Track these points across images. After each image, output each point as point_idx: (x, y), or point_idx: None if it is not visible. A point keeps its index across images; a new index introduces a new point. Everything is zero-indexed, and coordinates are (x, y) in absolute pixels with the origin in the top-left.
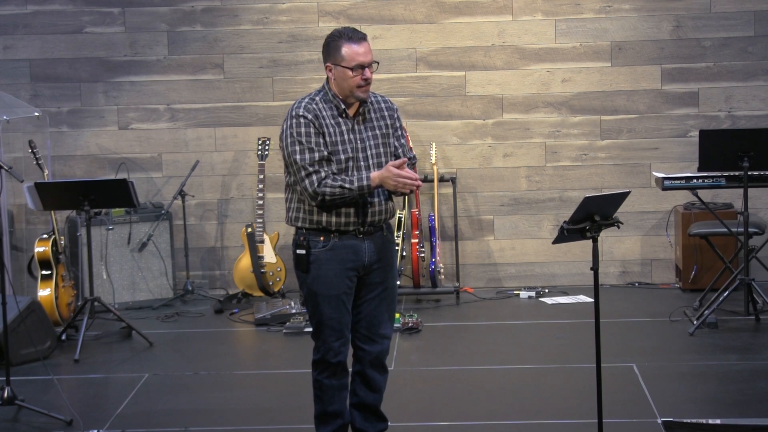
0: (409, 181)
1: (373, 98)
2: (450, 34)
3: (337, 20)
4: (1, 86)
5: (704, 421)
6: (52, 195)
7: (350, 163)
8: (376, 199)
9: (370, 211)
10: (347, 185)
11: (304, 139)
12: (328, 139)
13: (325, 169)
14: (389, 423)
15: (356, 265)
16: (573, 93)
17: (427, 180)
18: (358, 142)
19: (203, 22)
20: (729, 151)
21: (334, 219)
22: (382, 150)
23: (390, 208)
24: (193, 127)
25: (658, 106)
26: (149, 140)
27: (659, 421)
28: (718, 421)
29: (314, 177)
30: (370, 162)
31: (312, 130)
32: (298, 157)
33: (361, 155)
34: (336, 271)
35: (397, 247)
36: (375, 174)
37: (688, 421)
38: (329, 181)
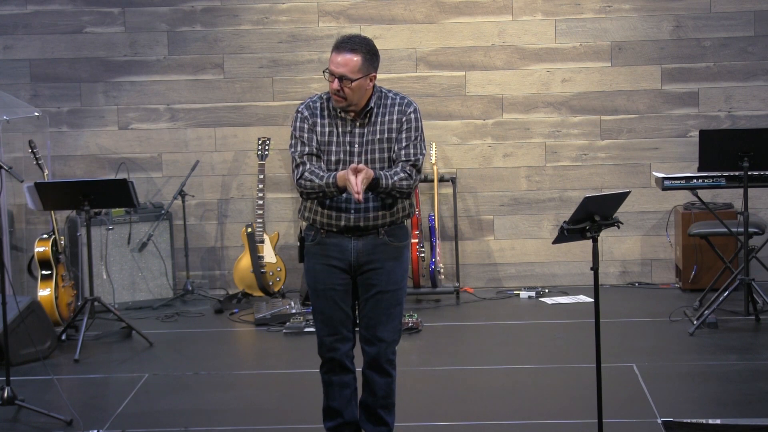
0: (352, 189)
1: (388, 100)
2: (450, 34)
3: (337, 20)
4: (1, 86)
5: (704, 421)
6: (52, 195)
7: (340, 166)
8: (362, 205)
9: (353, 216)
10: (317, 180)
11: (298, 133)
12: (320, 138)
13: (314, 163)
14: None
15: (343, 263)
16: (573, 93)
17: (427, 180)
18: (348, 145)
19: (203, 22)
20: (729, 151)
21: (318, 218)
22: (378, 155)
23: (385, 214)
24: (193, 127)
25: (658, 106)
26: (149, 140)
27: (659, 421)
28: (718, 421)
29: (300, 169)
30: None
31: (306, 125)
32: (292, 149)
33: (348, 158)
34: (322, 266)
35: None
36: (341, 173)
37: (688, 421)
38: (307, 174)
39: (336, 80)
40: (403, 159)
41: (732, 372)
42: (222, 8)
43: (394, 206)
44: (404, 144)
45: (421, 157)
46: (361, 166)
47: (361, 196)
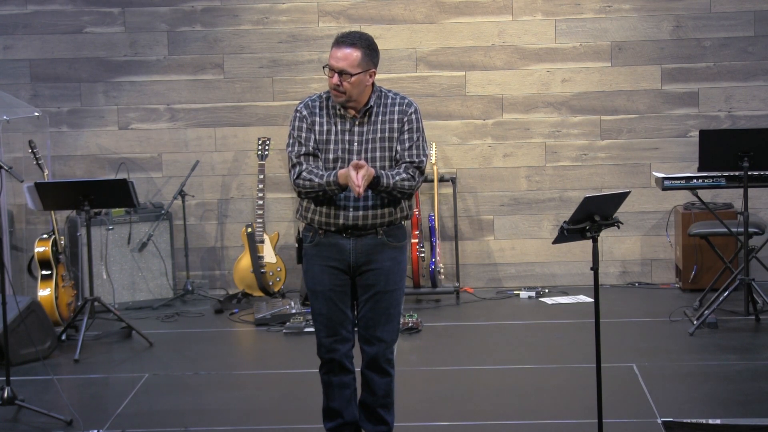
0: (353, 184)
1: (388, 100)
2: (450, 34)
3: (337, 20)
4: (1, 86)
5: (704, 421)
6: (52, 195)
7: (338, 164)
8: (361, 203)
9: (352, 214)
10: (317, 179)
11: (296, 133)
12: (318, 137)
13: (310, 163)
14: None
15: (341, 264)
16: (573, 93)
17: (427, 180)
18: (347, 143)
19: (203, 22)
20: (729, 151)
21: (317, 218)
22: (378, 154)
23: (384, 213)
24: (193, 127)
25: (658, 106)
26: (149, 140)
27: (659, 421)
28: (718, 421)
29: (297, 168)
30: None
31: (304, 125)
32: (289, 149)
33: (347, 157)
34: (320, 267)
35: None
36: (342, 171)
37: (688, 421)
38: (305, 173)
39: (335, 75)
40: (407, 160)
41: (732, 372)
42: (222, 8)
43: (397, 205)
44: (407, 145)
45: (424, 158)
46: (362, 162)
47: (362, 190)
